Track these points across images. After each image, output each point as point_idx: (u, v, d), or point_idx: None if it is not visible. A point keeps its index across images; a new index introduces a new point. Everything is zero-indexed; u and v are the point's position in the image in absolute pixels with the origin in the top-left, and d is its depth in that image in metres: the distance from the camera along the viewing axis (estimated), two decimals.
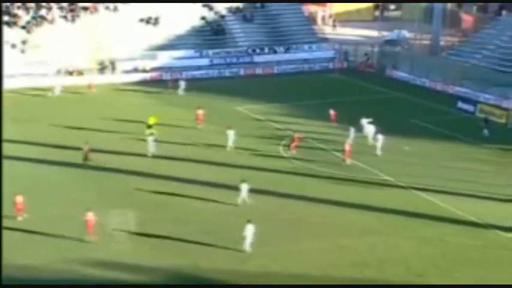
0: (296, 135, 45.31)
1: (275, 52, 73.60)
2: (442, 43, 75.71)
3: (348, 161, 42.54)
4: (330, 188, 39.10)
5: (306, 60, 73.48)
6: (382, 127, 46.35)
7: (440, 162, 43.35)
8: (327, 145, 45.95)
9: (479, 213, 35.26)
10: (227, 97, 59.46)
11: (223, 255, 30.75)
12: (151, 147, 43.72)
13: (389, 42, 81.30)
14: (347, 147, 42.89)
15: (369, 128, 46.78)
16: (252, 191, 37.50)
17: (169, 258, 30.39)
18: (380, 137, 44.49)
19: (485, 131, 49.52)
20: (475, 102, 56.70)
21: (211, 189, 38.23)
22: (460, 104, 57.06)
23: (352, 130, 45.73)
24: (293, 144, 44.53)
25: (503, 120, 52.10)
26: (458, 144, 47.33)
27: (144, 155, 43.49)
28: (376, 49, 75.58)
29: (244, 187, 35.91)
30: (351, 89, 64.49)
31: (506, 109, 53.47)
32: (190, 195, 37.37)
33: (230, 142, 45.22)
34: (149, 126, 46.80)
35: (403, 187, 39.17)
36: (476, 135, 48.87)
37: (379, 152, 44.18)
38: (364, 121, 47.94)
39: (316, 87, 63.89)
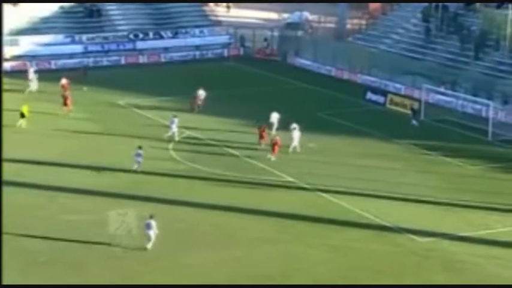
0: (263, 127, 45.64)
1: (161, 37, 73.15)
2: (348, 26, 77.51)
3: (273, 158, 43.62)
4: (223, 191, 39.24)
5: (197, 47, 73.53)
6: (285, 122, 46.94)
7: (348, 160, 44.37)
8: (221, 143, 46.09)
9: (390, 216, 36.21)
10: (106, 90, 58.68)
11: (104, 272, 30.31)
12: None
13: (291, 25, 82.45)
14: (277, 141, 43.79)
15: (273, 116, 48.20)
16: (135, 197, 37.28)
17: (41, 281, 29.61)
18: (296, 130, 45.31)
19: (414, 122, 51.32)
20: (384, 93, 58.41)
21: (86, 197, 37.74)
22: (369, 95, 58.66)
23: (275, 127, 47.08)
24: (263, 139, 45.06)
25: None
26: (367, 139, 48.57)
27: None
28: (276, 33, 76.50)
29: (139, 158, 40.38)
30: (249, 78, 65.03)
31: (417, 100, 55.28)
32: (61, 205, 36.69)
33: (174, 133, 46.32)
34: (22, 115, 48.28)
35: (307, 189, 39.80)
36: (385, 129, 50.32)
37: (292, 150, 44.98)
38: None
39: (209, 77, 63.80)
